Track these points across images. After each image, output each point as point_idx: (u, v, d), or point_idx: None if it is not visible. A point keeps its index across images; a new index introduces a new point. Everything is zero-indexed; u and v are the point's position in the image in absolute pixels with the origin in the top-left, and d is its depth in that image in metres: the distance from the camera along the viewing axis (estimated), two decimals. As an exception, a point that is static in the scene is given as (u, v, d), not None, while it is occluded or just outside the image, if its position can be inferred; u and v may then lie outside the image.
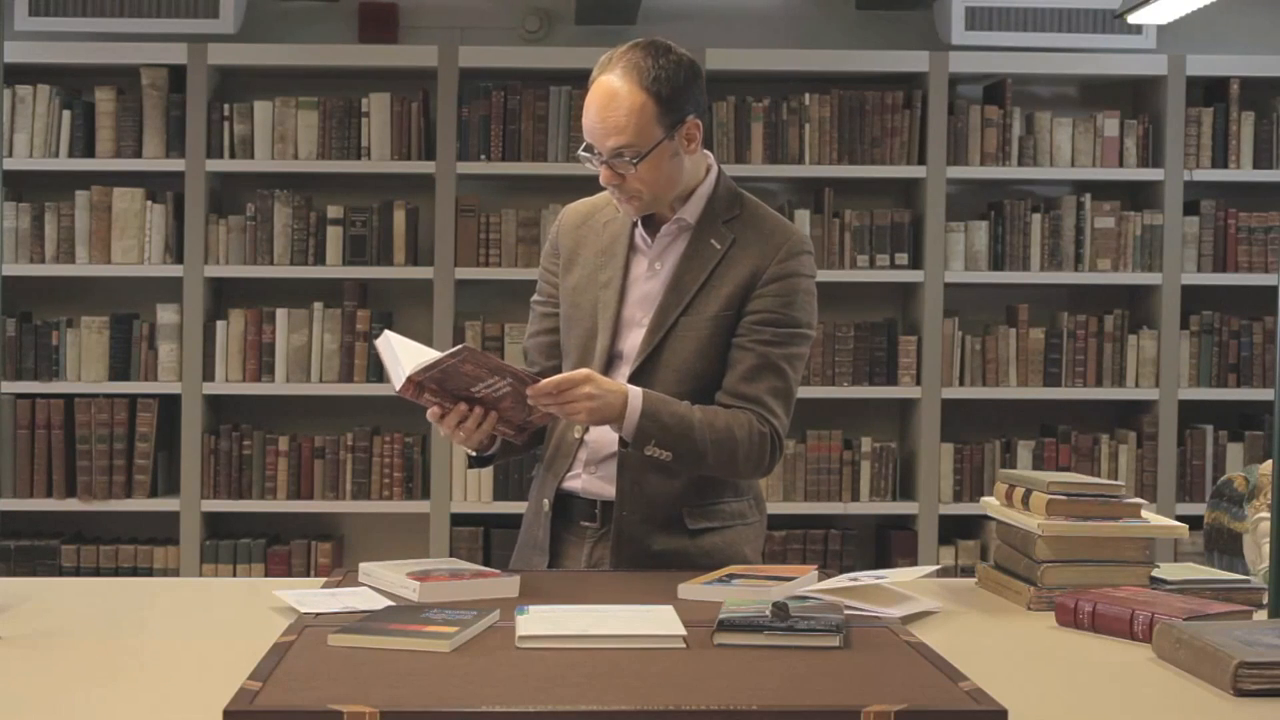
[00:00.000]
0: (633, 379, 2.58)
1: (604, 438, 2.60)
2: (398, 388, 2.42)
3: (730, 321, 2.60)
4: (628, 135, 2.54)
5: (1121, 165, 5.00)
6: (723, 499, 2.66)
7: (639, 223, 2.66)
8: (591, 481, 2.64)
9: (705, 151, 2.67)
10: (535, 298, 2.78)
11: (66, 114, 4.85)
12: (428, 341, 4.86)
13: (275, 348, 4.89)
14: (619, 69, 2.56)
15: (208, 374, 4.87)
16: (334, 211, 4.91)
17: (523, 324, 4.89)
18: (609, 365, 2.62)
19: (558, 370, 2.66)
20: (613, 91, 2.55)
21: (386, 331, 2.54)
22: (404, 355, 2.45)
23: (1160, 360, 4.98)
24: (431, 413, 2.49)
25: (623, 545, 2.60)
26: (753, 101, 4.95)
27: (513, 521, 4.78)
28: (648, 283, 2.65)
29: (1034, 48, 4.96)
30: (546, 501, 2.68)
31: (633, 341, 2.62)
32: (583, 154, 2.60)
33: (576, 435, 2.64)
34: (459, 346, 2.38)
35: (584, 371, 2.49)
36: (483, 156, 4.91)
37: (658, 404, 2.51)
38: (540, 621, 2.07)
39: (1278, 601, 2.23)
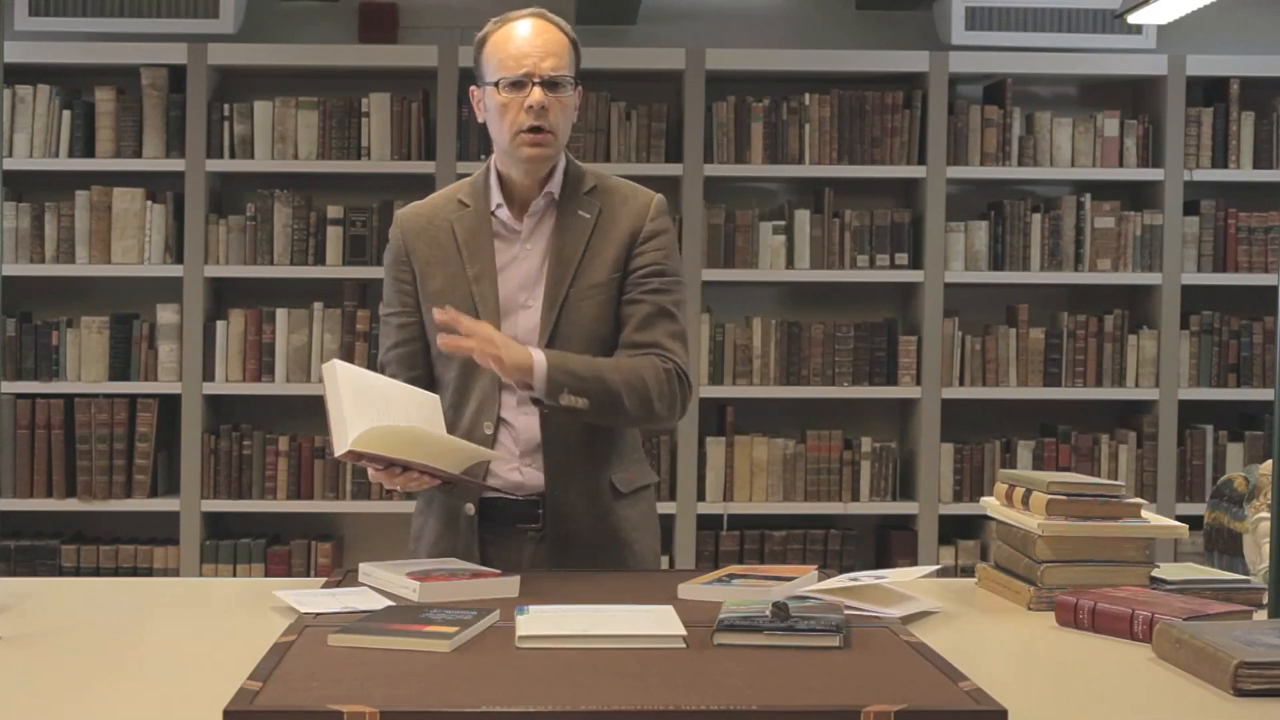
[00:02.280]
0: None
1: (530, 427, 2.61)
2: (338, 453, 2.37)
3: (619, 283, 2.65)
4: (563, 64, 2.62)
5: (1121, 165, 5.00)
6: (638, 460, 2.74)
7: (495, 210, 2.67)
8: (531, 474, 2.62)
9: None
10: (387, 310, 2.74)
11: (66, 114, 4.85)
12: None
13: (275, 348, 4.89)
14: (532, 15, 2.65)
15: (208, 374, 4.87)
16: (334, 211, 4.91)
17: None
18: None
19: (422, 380, 2.67)
20: (543, 26, 2.64)
21: (335, 362, 2.46)
22: (351, 406, 2.38)
23: (1160, 360, 4.98)
24: (373, 475, 2.47)
25: (561, 522, 2.61)
26: (753, 101, 4.95)
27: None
28: (523, 263, 2.66)
29: (1034, 48, 4.96)
30: (471, 506, 2.64)
31: (525, 324, 2.63)
32: (510, 83, 2.59)
33: (488, 432, 2.62)
34: (415, 460, 2.39)
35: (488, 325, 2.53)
36: (483, 156, 4.91)
37: (562, 355, 2.55)
38: (540, 621, 2.07)
39: (1278, 601, 2.23)
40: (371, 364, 4.83)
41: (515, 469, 2.63)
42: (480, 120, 2.69)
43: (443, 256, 2.67)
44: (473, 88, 2.70)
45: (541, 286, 2.63)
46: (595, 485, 2.64)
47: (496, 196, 2.68)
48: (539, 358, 2.50)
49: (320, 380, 2.47)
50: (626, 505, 2.69)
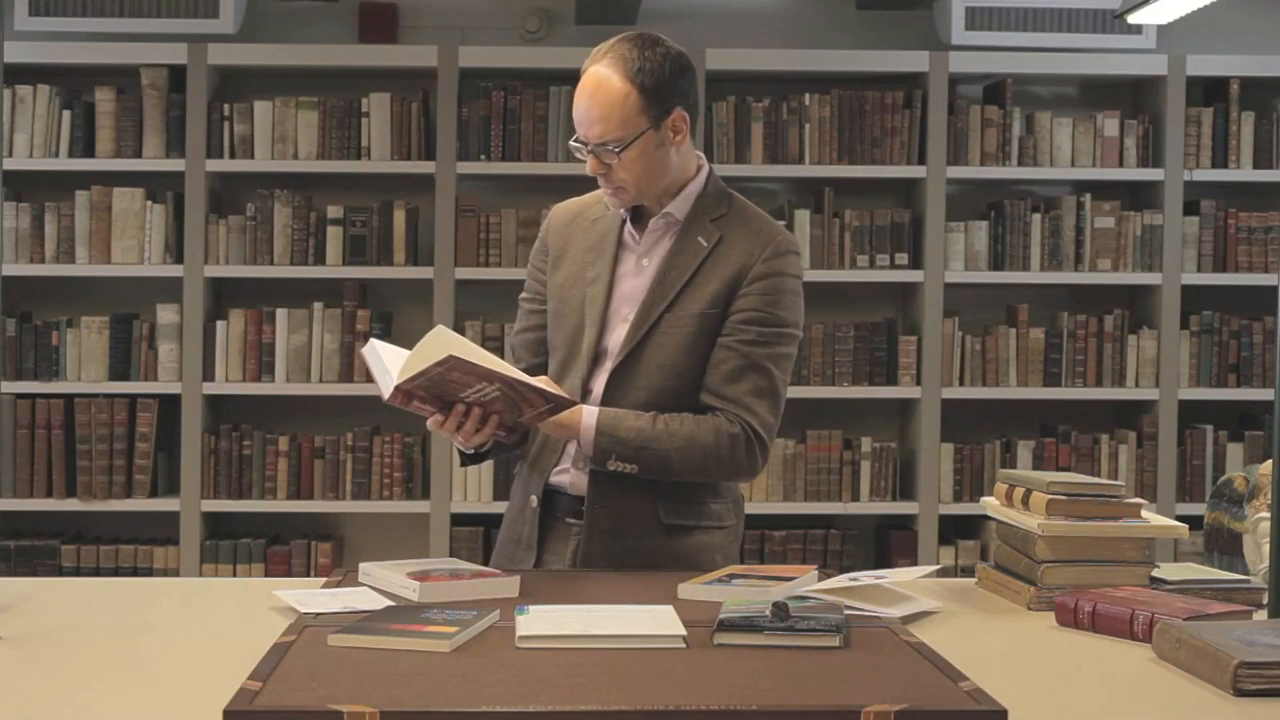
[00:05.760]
0: (615, 374, 2.58)
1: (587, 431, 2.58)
2: (386, 397, 2.42)
3: (716, 320, 2.59)
4: (613, 125, 2.55)
5: (1121, 165, 5.01)
6: (703, 499, 2.64)
7: (628, 219, 2.66)
8: (579, 477, 2.62)
9: (698, 152, 2.69)
10: (523, 295, 2.79)
11: (66, 114, 4.85)
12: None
13: (275, 348, 4.89)
14: (607, 59, 2.60)
15: (208, 374, 4.88)
16: (334, 211, 4.91)
17: (523, 324, 4.92)
18: (595, 361, 2.62)
19: (544, 366, 2.70)
20: (600, 81, 2.58)
21: (372, 340, 2.54)
22: (391, 364, 2.44)
23: (1160, 360, 4.98)
24: (432, 421, 2.47)
25: (594, 539, 2.59)
26: (753, 101, 4.95)
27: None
28: (635, 279, 2.64)
29: (1034, 48, 4.96)
30: (534, 498, 2.66)
31: (618, 337, 2.62)
32: (573, 144, 2.61)
33: None
34: (445, 356, 2.34)
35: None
36: (483, 156, 4.92)
37: (613, 421, 2.53)
38: (540, 621, 2.06)
39: (1278, 601, 2.23)
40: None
41: (566, 471, 2.63)
42: None
43: (573, 253, 2.69)
44: None
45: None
46: (638, 510, 2.58)
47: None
48: (587, 422, 2.52)
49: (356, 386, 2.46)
50: (675, 539, 2.61)
